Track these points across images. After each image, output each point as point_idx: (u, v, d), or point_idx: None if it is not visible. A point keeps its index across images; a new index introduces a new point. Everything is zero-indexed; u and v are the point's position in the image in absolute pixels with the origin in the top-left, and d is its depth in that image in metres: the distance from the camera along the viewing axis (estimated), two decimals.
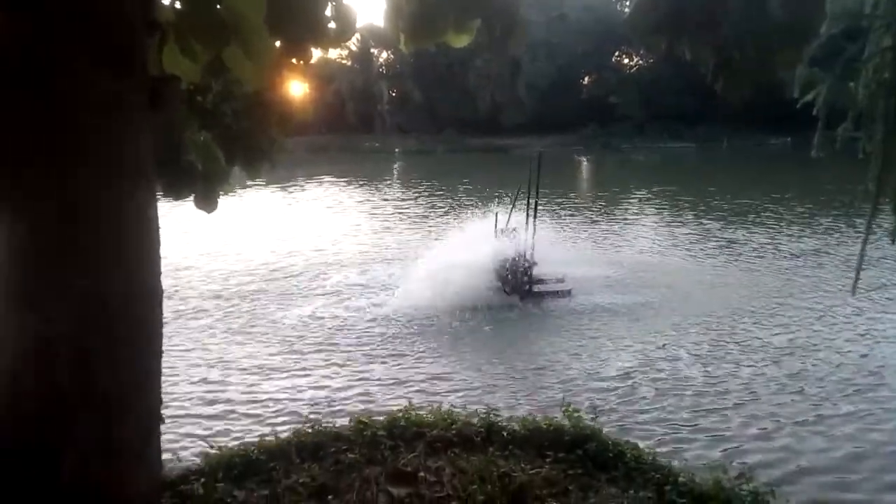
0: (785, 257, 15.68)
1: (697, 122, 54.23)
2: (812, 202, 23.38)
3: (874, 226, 4.94)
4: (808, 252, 16.06)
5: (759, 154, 47.54)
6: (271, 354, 9.32)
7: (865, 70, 4.06)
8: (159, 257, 2.42)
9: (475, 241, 12.41)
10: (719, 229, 19.46)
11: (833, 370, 8.79)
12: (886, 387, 8.26)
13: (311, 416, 5.34)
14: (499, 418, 4.99)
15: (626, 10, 50.48)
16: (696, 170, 41.07)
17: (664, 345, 9.72)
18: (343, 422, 5.11)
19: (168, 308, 2.52)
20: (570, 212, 23.11)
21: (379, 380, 8.41)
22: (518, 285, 12.00)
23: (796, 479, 6.15)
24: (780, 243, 17.24)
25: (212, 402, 7.74)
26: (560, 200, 25.05)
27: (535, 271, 12.28)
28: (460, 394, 7.94)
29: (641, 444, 5.07)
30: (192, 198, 3.65)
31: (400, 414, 4.99)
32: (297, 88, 3.91)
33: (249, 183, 24.81)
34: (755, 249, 16.52)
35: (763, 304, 11.91)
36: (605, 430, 5.12)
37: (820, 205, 22.71)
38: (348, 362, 9.05)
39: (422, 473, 4.11)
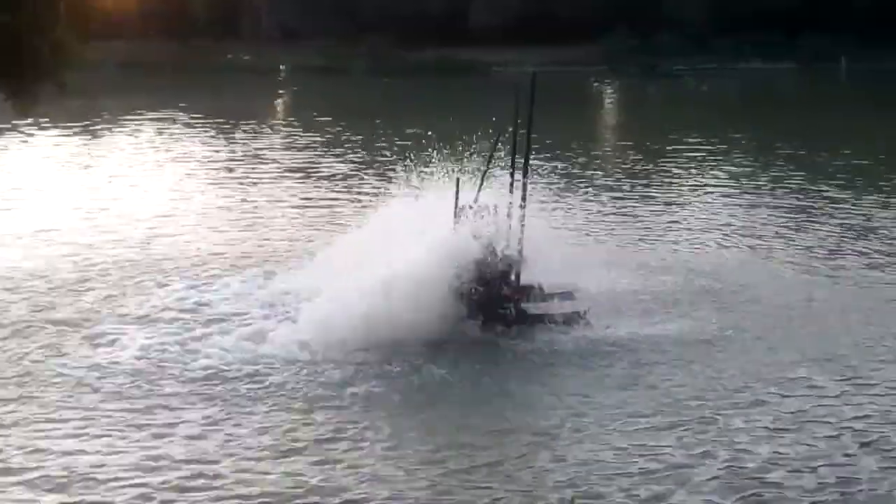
0: None
1: (797, 30, 38.69)
2: None
3: None
4: None
5: None
6: (55, 409, 6.58)
7: None
8: None
9: (420, 227, 8.87)
10: (836, 209, 14.04)
11: None
12: None
13: None
14: None
15: None
16: (798, 107, 30.50)
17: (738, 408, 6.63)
18: None
19: None
20: (579, 179, 17.00)
21: (254, 458, 5.78)
22: (492, 304, 8.50)
23: None
24: None
25: None
26: (566, 157, 18.73)
27: (525, 277, 8.65)
28: (389, 492, 5.46)
29: None
30: None
31: None
32: None
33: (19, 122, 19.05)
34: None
35: None
36: None
37: None
38: (197, 427, 6.42)
39: None
